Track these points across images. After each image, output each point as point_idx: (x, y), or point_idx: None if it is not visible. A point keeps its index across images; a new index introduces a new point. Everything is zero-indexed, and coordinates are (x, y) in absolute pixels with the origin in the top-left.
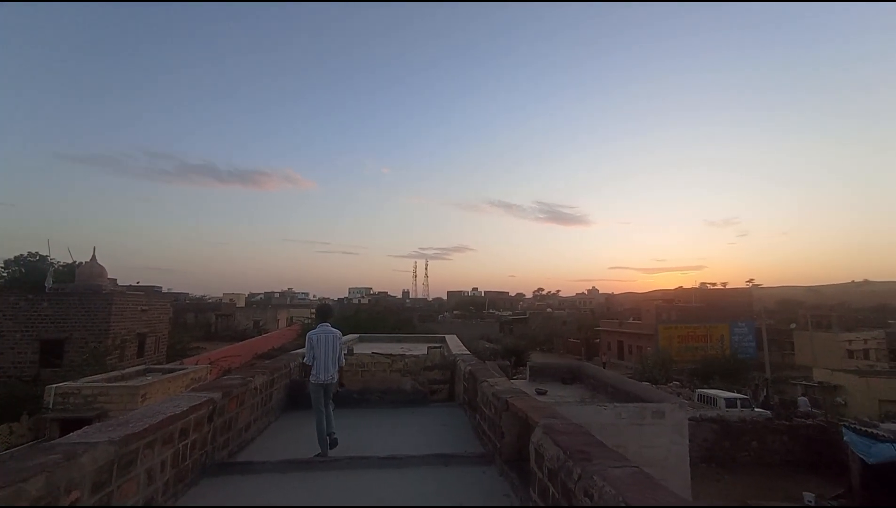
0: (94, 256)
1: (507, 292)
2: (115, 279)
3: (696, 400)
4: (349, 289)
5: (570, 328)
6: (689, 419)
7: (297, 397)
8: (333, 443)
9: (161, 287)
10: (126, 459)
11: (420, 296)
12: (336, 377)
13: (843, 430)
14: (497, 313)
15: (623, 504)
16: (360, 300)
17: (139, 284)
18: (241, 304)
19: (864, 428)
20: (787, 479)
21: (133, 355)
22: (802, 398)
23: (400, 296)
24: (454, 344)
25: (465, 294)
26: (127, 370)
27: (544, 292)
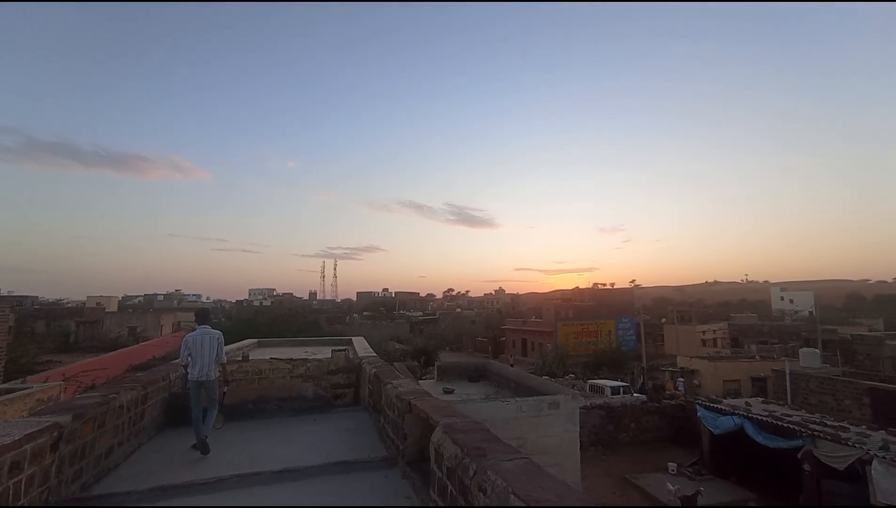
0: None
1: (418, 293)
2: None
3: (587, 390)
4: (249, 290)
5: (478, 328)
6: (581, 408)
7: (179, 412)
8: (203, 448)
9: None
10: None
11: (328, 297)
12: (213, 374)
13: (697, 407)
14: (407, 313)
15: (511, 495)
16: (261, 302)
17: None
18: (113, 308)
19: (711, 404)
20: (657, 453)
21: None
22: (681, 379)
23: (307, 297)
24: (361, 346)
25: (376, 295)
26: None
27: (454, 293)
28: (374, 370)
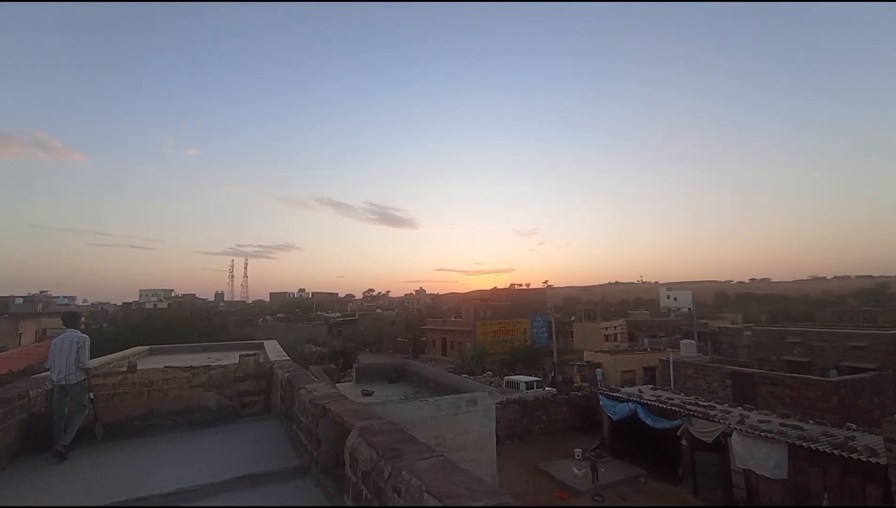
0: None
1: (337, 294)
2: None
3: (504, 386)
4: (141, 291)
5: (399, 328)
6: (497, 404)
7: (42, 436)
8: (61, 457)
9: None
10: None
11: (238, 298)
12: (73, 379)
13: (600, 396)
14: (325, 315)
15: (426, 493)
16: (155, 305)
17: None
18: None
19: (611, 393)
20: (566, 441)
21: None
22: (599, 369)
23: (212, 299)
24: (273, 350)
25: (291, 296)
26: None
27: (374, 293)
28: (286, 374)
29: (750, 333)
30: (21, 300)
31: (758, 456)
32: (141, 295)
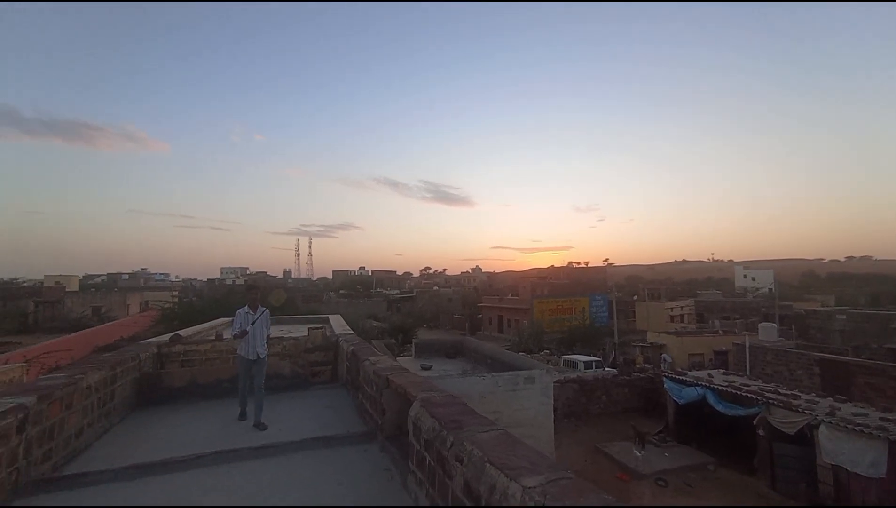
0: None
1: (395, 272)
2: None
3: (561, 365)
4: (221, 269)
5: (456, 305)
6: (555, 382)
7: (151, 392)
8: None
9: None
10: None
11: (304, 276)
12: (263, 353)
13: (664, 379)
14: (385, 292)
15: (488, 464)
16: (234, 281)
17: None
18: (74, 288)
19: (677, 377)
20: (626, 423)
21: None
22: (664, 355)
23: (281, 276)
24: (338, 324)
25: (352, 273)
26: None
27: (431, 271)
28: (351, 347)
29: (845, 317)
30: (126, 277)
31: (850, 452)
32: (222, 272)
